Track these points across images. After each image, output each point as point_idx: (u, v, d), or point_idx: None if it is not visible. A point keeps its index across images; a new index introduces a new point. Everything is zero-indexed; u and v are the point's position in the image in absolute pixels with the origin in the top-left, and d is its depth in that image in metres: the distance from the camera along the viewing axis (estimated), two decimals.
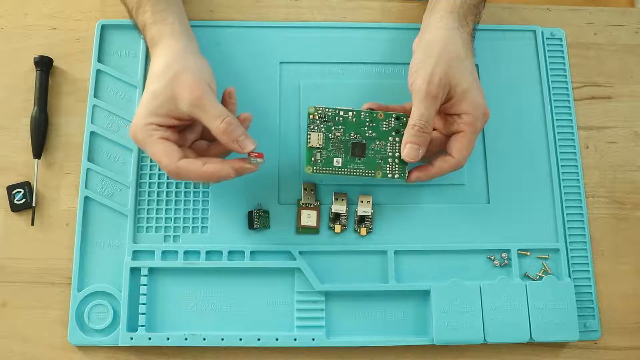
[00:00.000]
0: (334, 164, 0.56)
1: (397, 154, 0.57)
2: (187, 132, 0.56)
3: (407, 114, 0.57)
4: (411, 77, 0.56)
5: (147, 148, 0.53)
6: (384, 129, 0.57)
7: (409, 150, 0.55)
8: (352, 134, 0.57)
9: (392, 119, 0.57)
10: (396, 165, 0.57)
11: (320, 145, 0.56)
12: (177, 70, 0.53)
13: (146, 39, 0.58)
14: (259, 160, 0.54)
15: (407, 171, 0.56)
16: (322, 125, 0.56)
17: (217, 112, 0.52)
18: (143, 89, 0.63)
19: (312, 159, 0.56)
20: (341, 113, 0.57)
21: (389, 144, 0.57)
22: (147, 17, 0.57)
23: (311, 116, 0.56)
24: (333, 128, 0.57)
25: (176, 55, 0.54)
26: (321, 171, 0.56)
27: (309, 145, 0.56)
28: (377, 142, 0.57)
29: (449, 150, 0.56)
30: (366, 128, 0.57)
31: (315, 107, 0.57)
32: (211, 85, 0.54)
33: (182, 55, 0.55)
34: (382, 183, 0.62)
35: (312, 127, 0.56)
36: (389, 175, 0.56)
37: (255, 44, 0.65)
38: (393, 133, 0.57)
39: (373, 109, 0.58)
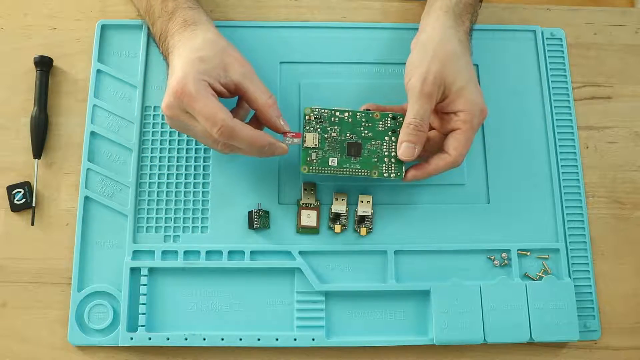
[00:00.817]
0: (330, 164, 0.56)
1: (393, 154, 0.57)
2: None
3: (403, 114, 0.57)
4: (407, 76, 0.56)
5: (199, 102, 0.51)
6: (380, 128, 0.57)
7: (404, 148, 0.55)
8: (348, 134, 0.57)
9: (388, 119, 0.57)
10: (392, 165, 0.57)
11: (315, 145, 0.56)
12: (225, 44, 0.55)
13: (175, 20, 0.56)
14: (295, 140, 0.55)
15: (403, 170, 0.56)
16: (317, 126, 0.57)
17: (264, 87, 0.55)
18: (143, 88, 0.63)
19: (308, 159, 0.56)
20: (337, 114, 0.57)
21: (385, 144, 0.57)
22: (180, 2, 0.57)
23: (307, 117, 0.57)
24: (329, 128, 0.57)
25: (220, 36, 0.56)
26: (317, 171, 0.56)
27: (305, 145, 0.56)
28: (373, 142, 0.57)
29: (446, 148, 0.56)
30: (362, 128, 0.57)
31: (311, 108, 0.57)
32: None
33: (224, 39, 0.56)
34: (382, 183, 0.62)
35: (307, 127, 0.56)
36: (385, 175, 0.56)
37: (255, 44, 0.65)
38: (389, 133, 0.57)
39: (370, 110, 0.58)
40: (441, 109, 0.57)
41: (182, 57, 0.53)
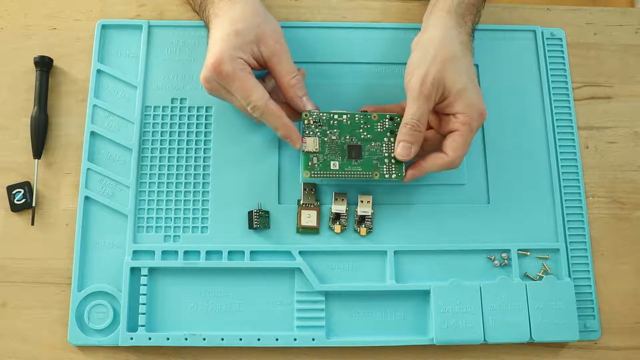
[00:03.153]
0: (331, 168, 0.56)
1: (392, 154, 0.57)
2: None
3: (401, 114, 0.57)
4: (407, 76, 0.56)
5: (236, 81, 0.54)
6: (379, 130, 0.57)
7: (401, 148, 0.56)
8: (347, 137, 0.57)
9: (386, 120, 0.57)
10: (393, 166, 0.57)
11: (316, 149, 0.56)
12: (263, 19, 0.56)
13: None
14: (304, 145, 0.56)
15: (403, 170, 0.57)
16: (317, 130, 0.57)
17: (291, 67, 0.56)
18: (143, 88, 0.63)
19: (310, 164, 0.56)
20: (335, 116, 0.57)
21: (384, 145, 0.57)
22: None
23: (306, 121, 0.57)
24: (328, 132, 0.57)
25: (260, 8, 0.57)
26: (319, 175, 0.56)
27: (306, 150, 0.56)
28: (373, 144, 0.57)
29: (444, 148, 0.56)
30: (361, 130, 0.57)
31: (309, 112, 0.57)
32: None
33: (264, 10, 0.57)
34: (382, 183, 0.62)
35: (307, 132, 0.57)
36: (386, 176, 0.56)
37: None
38: (388, 134, 0.57)
39: (367, 111, 0.58)
40: (440, 110, 0.57)
41: (220, 29, 0.55)
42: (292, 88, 0.56)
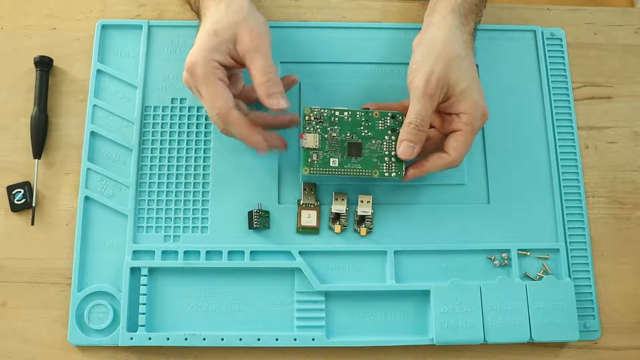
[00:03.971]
0: (331, 165, 0.56)
1: (393, 153, 0.57)
2: (232, 85, 0.58)
3: (403, 113, 0.57)
4: (410, 75, 0.56)
5: (204, 85, 0.53)
6: (380, 127, 0.57)
7: (404, 147, 0.55)
8: (348, 134, 0.57)
9: (388, 118, 0.57)
10: (393, 164, 0.57)
11: (316, 146, 0.56)
12: (244, 16, 0.55)
13: None
14: (304, 141, 0.56)
15: (403, 169, 0.57)
16: (317, 126, 0.57)
17: (264, 64, 0.54)
18: (143, 88, 0.63)
19: (309, 160, 0.56)
20: (337, 113, 0.57)
21: (385, 143, 0.57)
22: None
23: (307, 117, 0.57)
24: (329, 129, 0.57)
25: (244, 5, 0.56)
26: (318, 172, 0.56)
27: (305, 146, 0.56)
28: (373, 142, 0.57)
29: (446, 148, 0.56)
30: (362, 127, 0.57)
31: (310, 109, 0.57)
32: (269, 40, 0.56)
33: (249, 7, 0.56)
34: (382, 183, 0.62)
35: (307, 128, 0.56)
36: (386, 174, 0.56)
37: None
38: (389, 132, 0.57)
39: (369, 109, 0.58)
40: (443, 110, 0.57)
41: (202, 29, 0.56)
42: (261, 86, 0.54)
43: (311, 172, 0.56)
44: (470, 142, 0.56)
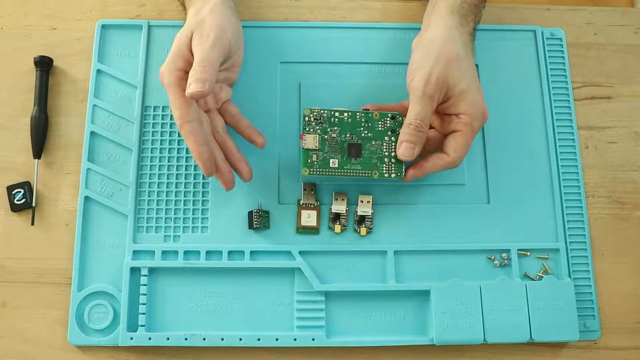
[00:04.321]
0: (331, 166, 0.56)
1: (393, 154, 0.57)
2: (218, 92, 0.59)
3: (403, 113, 0.57)
4: (409, 76, 0.56)
5: (169, 94, 0.54)
6: (380, 129, 0.57)
7: (404, 148, 0.55)
8: (347, 135, 0.57)
9: (388, 119, 0.57)
10: (392, 165, 0.57)
11: (316, 147, 0.56)
12: (203, 17, 0.55)
13: None
14: (303, 142, 0.56)
15: (403, 170, 0.56)
16: (317, 127, 0.57)
17: (200, 57, 0.53)
18: (143, 88, 0.63)
19: (309, 161, 0.56)
20: (336, 114, 0.57)
21: (384, 144, 0.57)
22: None
23: (306, 118, 0.57)
24: (329, 129, 0.57)
25: (212, 6, 0.56)
26: (318, 172, 0.56)
27: (305, 147, 0.56)
28: (373, 142, 0.57)
29: (445, 148, 0.56)
30: (362, 128, 0.57)
31: (310, 109, 0.57)
32: (231, 41, 0.55)
33: (216, 6, 0.56)
34: (382, 183, 0.62)
35: (307, 129, 0.56)
36: (386, 175, 0.56)
37: (255, 44, 0.65)
38: (389, 133, 0.57)
39: (369, 110, 0.58)
40: (442, 110, 0.57)
41: (180, 33, 0.56)
42: (188, 92, 0.52)
43: (311, 172, 0.56)
44: (469, 143, 0.56)
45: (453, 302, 0.57)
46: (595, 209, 0.63)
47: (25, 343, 0.58)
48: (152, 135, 0.62)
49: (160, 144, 0.62)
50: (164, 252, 0.59)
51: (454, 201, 0.62)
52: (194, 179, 0.61)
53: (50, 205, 0.61)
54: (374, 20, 0.68)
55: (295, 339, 0.57)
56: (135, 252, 0.59)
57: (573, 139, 0.64)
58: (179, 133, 0.62)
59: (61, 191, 0.61)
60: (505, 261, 0.60)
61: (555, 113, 0.65)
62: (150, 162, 0.61)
